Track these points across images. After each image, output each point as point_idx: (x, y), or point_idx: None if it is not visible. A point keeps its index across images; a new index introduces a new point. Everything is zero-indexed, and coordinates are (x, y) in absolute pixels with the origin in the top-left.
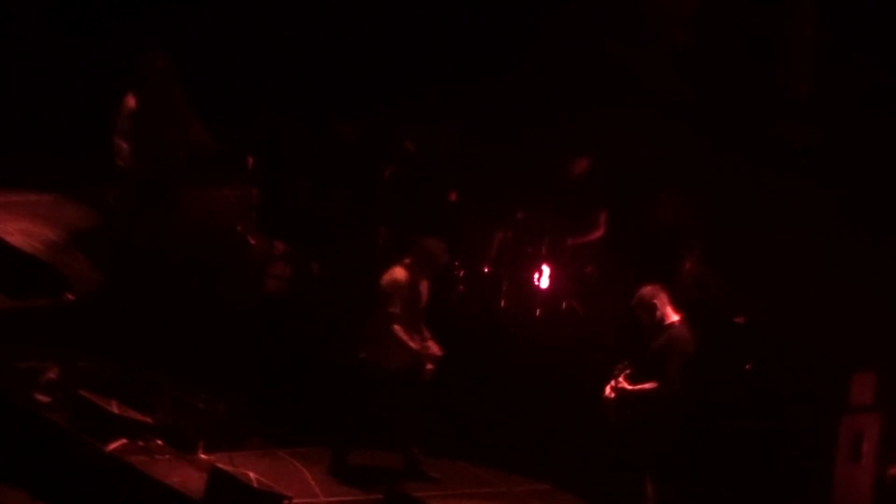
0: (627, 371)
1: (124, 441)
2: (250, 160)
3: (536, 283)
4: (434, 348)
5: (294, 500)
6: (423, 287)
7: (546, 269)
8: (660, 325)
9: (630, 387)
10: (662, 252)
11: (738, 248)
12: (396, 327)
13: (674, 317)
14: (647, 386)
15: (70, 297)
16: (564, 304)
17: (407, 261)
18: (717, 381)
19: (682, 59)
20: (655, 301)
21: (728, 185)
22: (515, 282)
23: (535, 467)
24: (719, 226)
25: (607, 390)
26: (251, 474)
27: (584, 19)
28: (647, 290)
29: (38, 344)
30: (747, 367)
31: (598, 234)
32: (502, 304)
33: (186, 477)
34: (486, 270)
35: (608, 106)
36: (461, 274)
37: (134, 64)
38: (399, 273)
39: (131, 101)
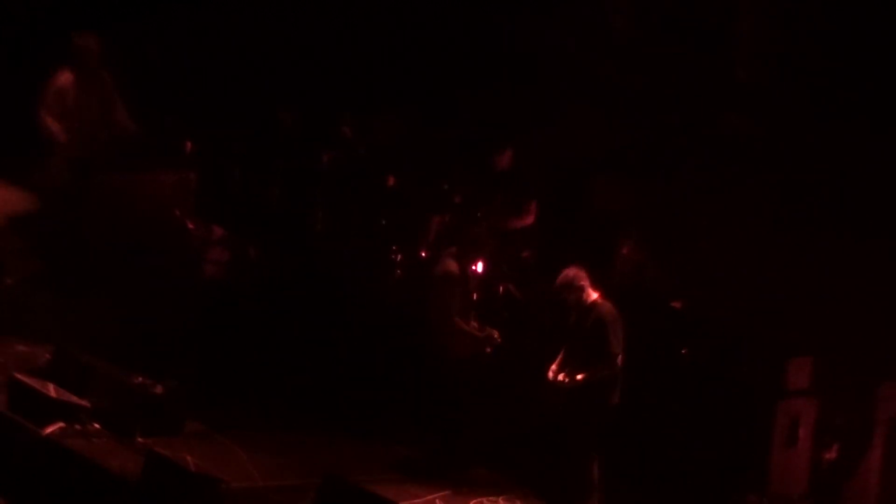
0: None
1: (61, 425)
2: (188, 145)
3: (474, 268)
4: (495, 333)
5: (231, 484)
6: (471, 274)
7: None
8: (584, 304)
9: (576, 377)
10: (600, 237)
11: (676, 233)
12: (456, 319)
13: (594, 294)
14: (590, 372)
15: (7, 280)
16: (501, 288)
17: (455, 251)
18: (653, 366)
19: (624, 47)
20: (582, 282)
21: (666, 172)
22: None
23: (472, 452)
24: (657, 211)
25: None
26: (188, 458)
27: (524, 8)
28: (571, 271)
29: None
30: (683, 351)
31: (528, 221)
32: None
33: (124, 461)
34: (423, 255)
35: (548, 92)
36: (399, 259)
37: (67, 43)
38: (452, 265)
39: (61, 79)
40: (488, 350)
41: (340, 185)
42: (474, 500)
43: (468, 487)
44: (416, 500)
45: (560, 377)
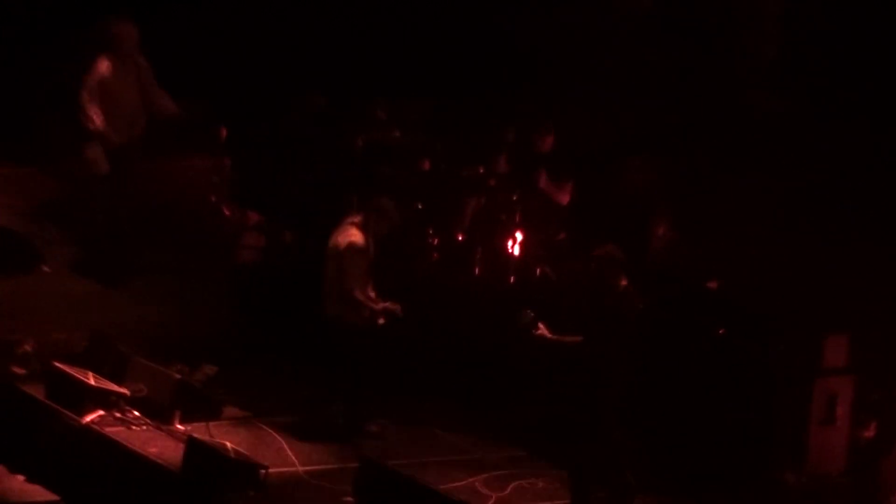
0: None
1: (101, 412)
2: (223, 131)
3: (510, 251)
4: (393, 305)
5: (270, 470)
6: (374, 245)
7: (519, 236)
8: (615, 285)
9: (550, 335)
10: (634, 218)
11: (710, 212)
12: (356, 290)
13: (624, 280)
14: (568, 338)
15: (45, 269)
16: (538, 270)
17: (358, 221)
18: (690, 347)
19: (648, 27)
20: (622, 261)
21: (698, 151)
22: (489, 249)
23: (509, 434)
24: (690, 191)
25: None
26: (228, 444)
27: None
28: (617, 250)
29: (13, 316)
30: (720, 331)
31: (563, 201)
32: (476, 271)
33: (163, 448)
34: (459, 238)
35: (577, 75)
36: (435, 242)
37: (103, 30)
38: (356, 236)
39: (103, 66)
40: (381, 321)
41: (375, 168)
42: (513, 483)
43: (507, 470)
44: (455, 483)
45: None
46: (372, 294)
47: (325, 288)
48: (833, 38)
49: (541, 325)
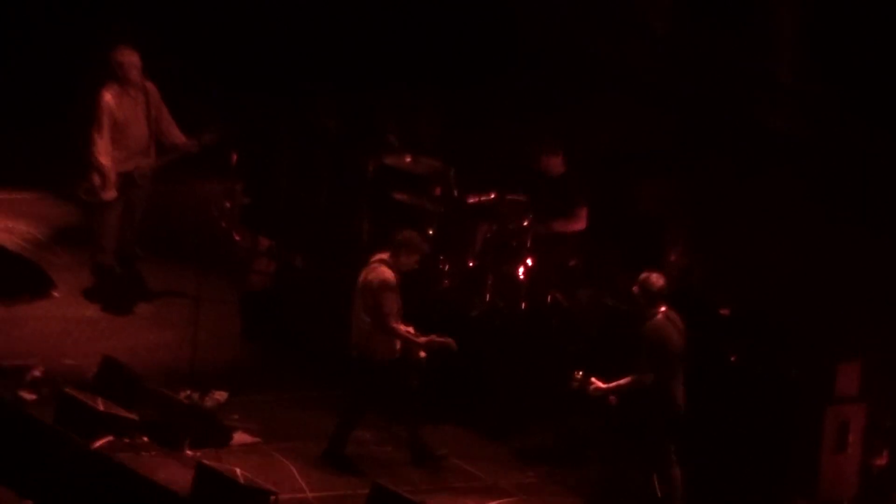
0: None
1: (110, 438)
2: (234, 155)
3: (521, 277)
4: (441, 338)
5: (280, 496)
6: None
7: (529, 263)
8: (648, 314)
9: (604, 385)
10: (647, 243)
11: (723, 238)
12: (398, 326)
13: (662, 308)
14: (623, 381)
15: (54, 294)
16: (549, 297)
17: (386, 257)
18: (702, 373)
19: (663, 48)
20: (663, 290)
21: (712, 175)
22: (500, 275)
23: (520, 460)
24: (704, 216)
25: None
26: (238, 470)
27: (563, 10)
28: (658, 279)
29: (23, 342)
30: (732, 358)
31: (580, 226)
32: (487, 297)
33: (173, 474)
34: (470, 264)
35: (590, 96)
36: (446, 268)
37: (109, 58)
38: (388, 273)
39: (108, 96)
40: (422, 354)
41: (386, 194)
42: None
43: (518, 497)
44: None
45: (580, 383)
46: (410, 329)
47: (353, 326)
48: (845, 60)
49: (593, 380)
